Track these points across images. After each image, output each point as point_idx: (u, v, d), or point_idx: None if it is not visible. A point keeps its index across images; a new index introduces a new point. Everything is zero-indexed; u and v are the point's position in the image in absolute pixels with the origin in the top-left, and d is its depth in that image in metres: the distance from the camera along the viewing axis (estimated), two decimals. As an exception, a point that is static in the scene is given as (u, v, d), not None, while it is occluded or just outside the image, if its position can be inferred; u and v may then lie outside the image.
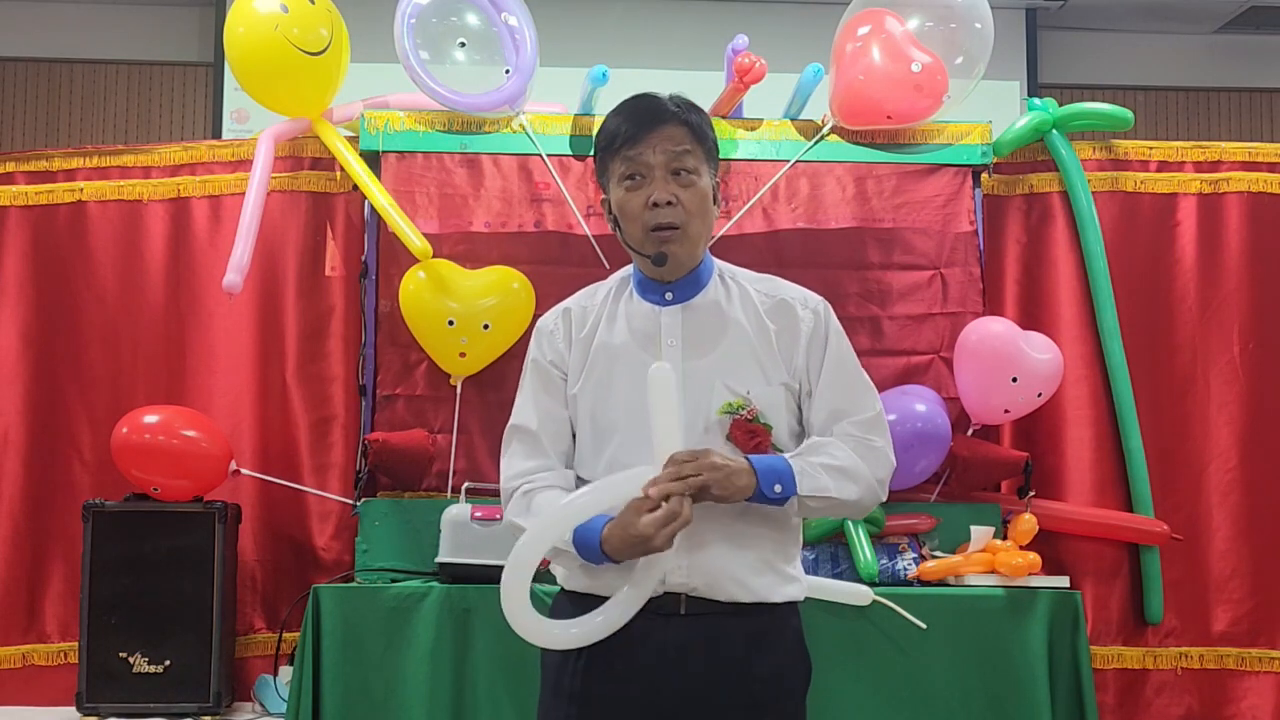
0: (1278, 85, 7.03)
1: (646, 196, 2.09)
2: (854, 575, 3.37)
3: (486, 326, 3.56)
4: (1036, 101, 3.93)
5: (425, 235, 3.59)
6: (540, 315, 2.26)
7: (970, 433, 3.71)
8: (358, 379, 3.75)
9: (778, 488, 2.01)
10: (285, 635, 3.64)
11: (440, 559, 3.30)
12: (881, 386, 3.63)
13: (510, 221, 3.75)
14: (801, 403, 2.17)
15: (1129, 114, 3.90)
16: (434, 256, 3.58)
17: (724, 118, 3.83)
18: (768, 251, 3.75)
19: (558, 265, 3.68)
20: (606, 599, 2.05)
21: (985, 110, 3.99)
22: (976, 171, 3.87)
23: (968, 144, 3.84)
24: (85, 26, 6.55)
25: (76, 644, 3.52)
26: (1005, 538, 3.49)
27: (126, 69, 6.67)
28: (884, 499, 2.15)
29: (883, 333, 3.77)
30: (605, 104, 3.70)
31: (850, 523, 3.41)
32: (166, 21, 6.60)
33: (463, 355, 3.59)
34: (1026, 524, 3.47)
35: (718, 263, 2.23)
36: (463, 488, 3.42)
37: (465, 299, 3.56)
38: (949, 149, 3.84)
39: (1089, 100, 4.28)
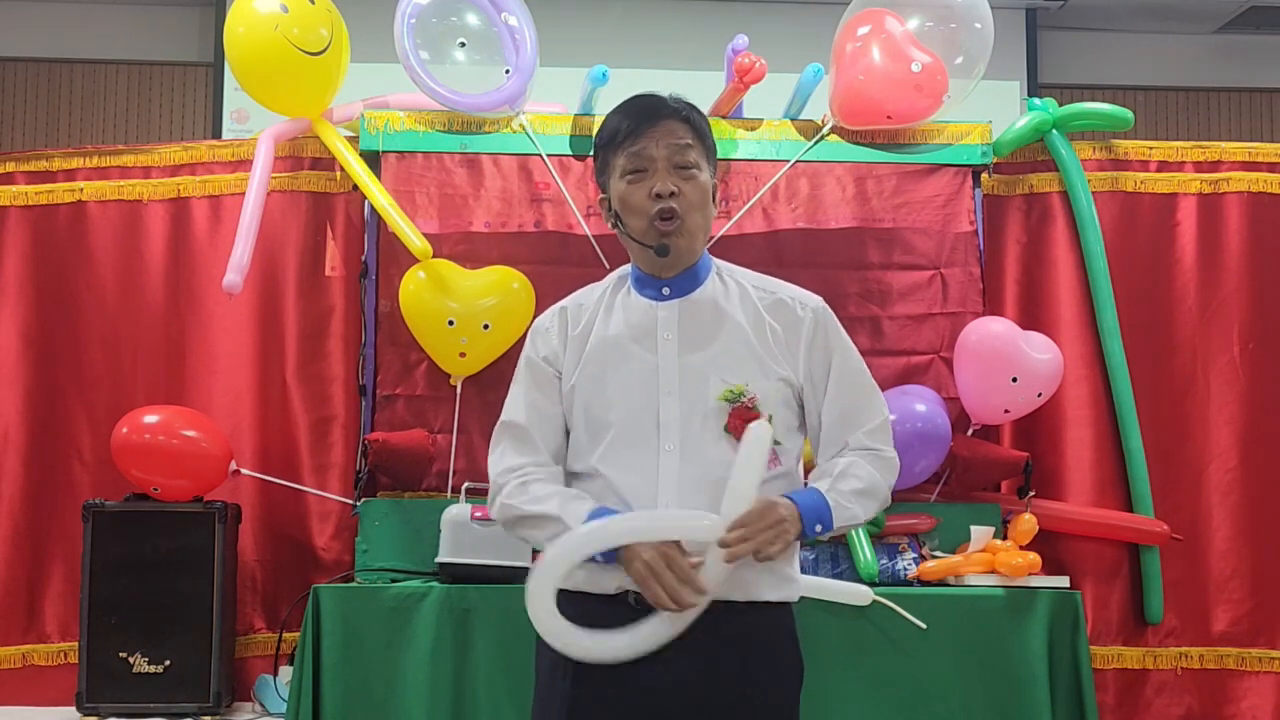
0: (1278, 85, 7.03)
1: (649, 188, 2.11)
2: (854, 575, 3.37)
3: (486, 326, 3.56)
4: (1036, 101, 3.93)
5: (425, 235, 3.59)
6: (540, 315, 2.27)
7: (970, 433, 3.71)
8: (358, 379, 3.75)
9: (818, 527, 2.05)
10: (285, 635, 3.64)
11: (440, 559, 3.30)
12: (882, 386, 3.60)
13: (510, 221, 3.75)
14: (804, 401, 2.18)
15: (1129, 114, 3.90)
16: (434, 256, 3.58)
17: (724, 118, 3.83)
18: (768, 251, 3.75)
19: (558, 265, 3.69)
20: (600, 596, 2.05)
21: (985, 110, 3.99)
22: (976, 171, 3.87)
23: (968, 144, 3.84)
24: (85, 26, 6.55)
25: (76, 644, 3.52)
26: (1005, 538, 3.49)
27: (126, 69, 6.66)
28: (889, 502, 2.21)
29: (883, 333, 3.77)
30: (605, 104, 3.70)
31: (850, 523, 3.41)
32: (166, 21, 6.60)
33: (463, 355, 3.59)
34: (1026, 524, 3.47)
35: (716, 261, 2.24)
36: (463, 488, 3.42)
37: (465, 299, 3.56)
38: (949, 149, 3.84)
39: (1089, 100, 4.28)
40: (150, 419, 3.55)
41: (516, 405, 2.18)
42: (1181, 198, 3.91)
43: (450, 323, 3.54)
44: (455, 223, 3.74)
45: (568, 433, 2.18)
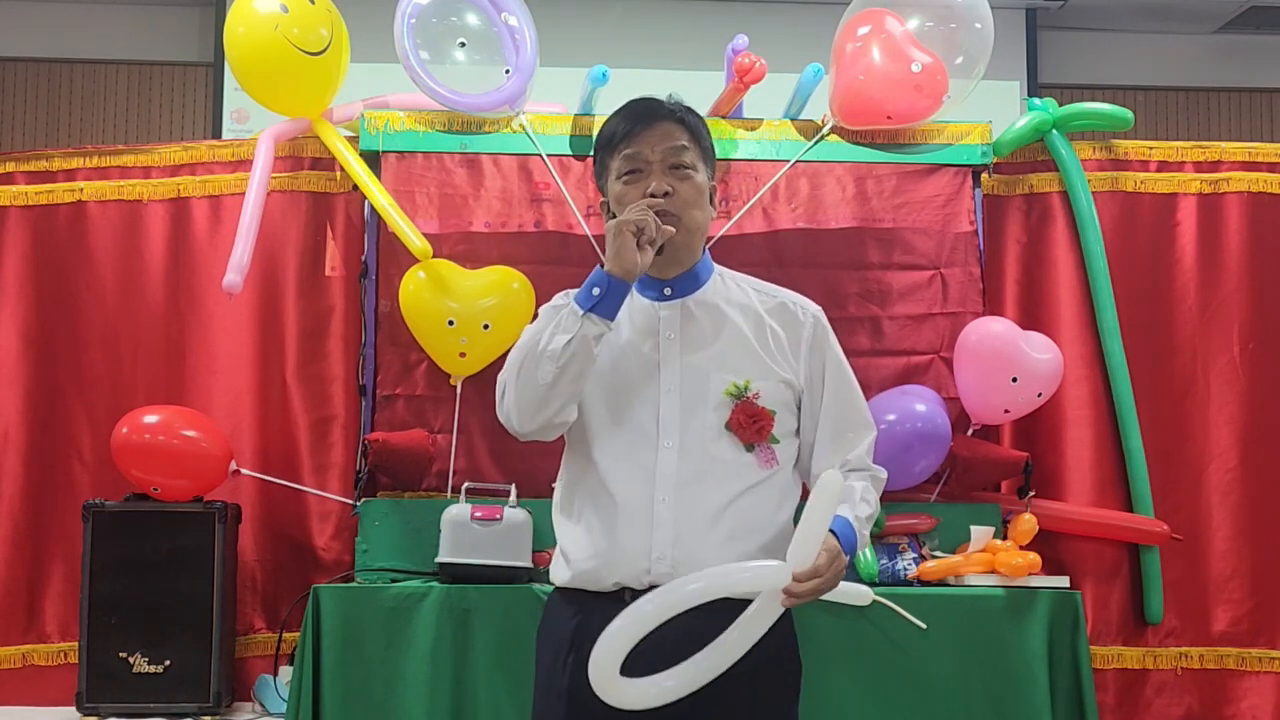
0: (1278, 85, 7.03)
1: (644, 189, 2.12)
2: (854, 575, 3.37)
3: (486, 326, 3.56)
4: (1036, 101, 3.93)
5: (425, 235, 3.59)
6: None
7: (970, 433, 3.71)
8: (358, 379, 3.75)
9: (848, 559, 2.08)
10: (285, 635, 3.64)
11: (440, 559, 3.30)
12: (881, 386, 3.69)
13: (510, 221, 3.75)
14: (801, 404, 2.19)
15: (1129, 114, 3.90)
16: (434, 256, 3.58)
17: (724, 118, 3.83)
18: (768, 251, 3.75)
19: (558, 265, 3.68)
20: (600, 594, 2.06)
21: (985, 110, 3.99)
22: (976, 171, 3.87)
23: (968, 144, 3.83)
24: (85, 26, 6.55)
25: (76, 644, 3.51)
26: (1005, 538, 3.49)
27: (126, 69, 6.67)
28: None
29: (883, 333, 3.77)
30: (605, 104, 3.73)
31: (850, 523, 3.41)
32: (166, 21, 6.60)
33: (463, 355, 3.59)
34: (1026, 524, 3.47)
35: (716, 265, 2.26)
36: (463, 488, 3.42)
37: (465, 299, 3.56)
38: (949, 149, 3.84)
39: (1089, 100, 4.28)
40: (150, 419, 3.55)
41: (532, 330, 2.19)
42: (1181, 198, 3.91)
43: (450, 323, 3.54)
44: (455, 223, 3.73)
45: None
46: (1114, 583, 3.74)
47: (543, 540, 3.32)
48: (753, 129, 3.83)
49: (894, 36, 3.70)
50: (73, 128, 6.62)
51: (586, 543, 2.13)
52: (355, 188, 3.70)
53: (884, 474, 2.26)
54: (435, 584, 3.26)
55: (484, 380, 3.65)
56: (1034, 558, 3.35)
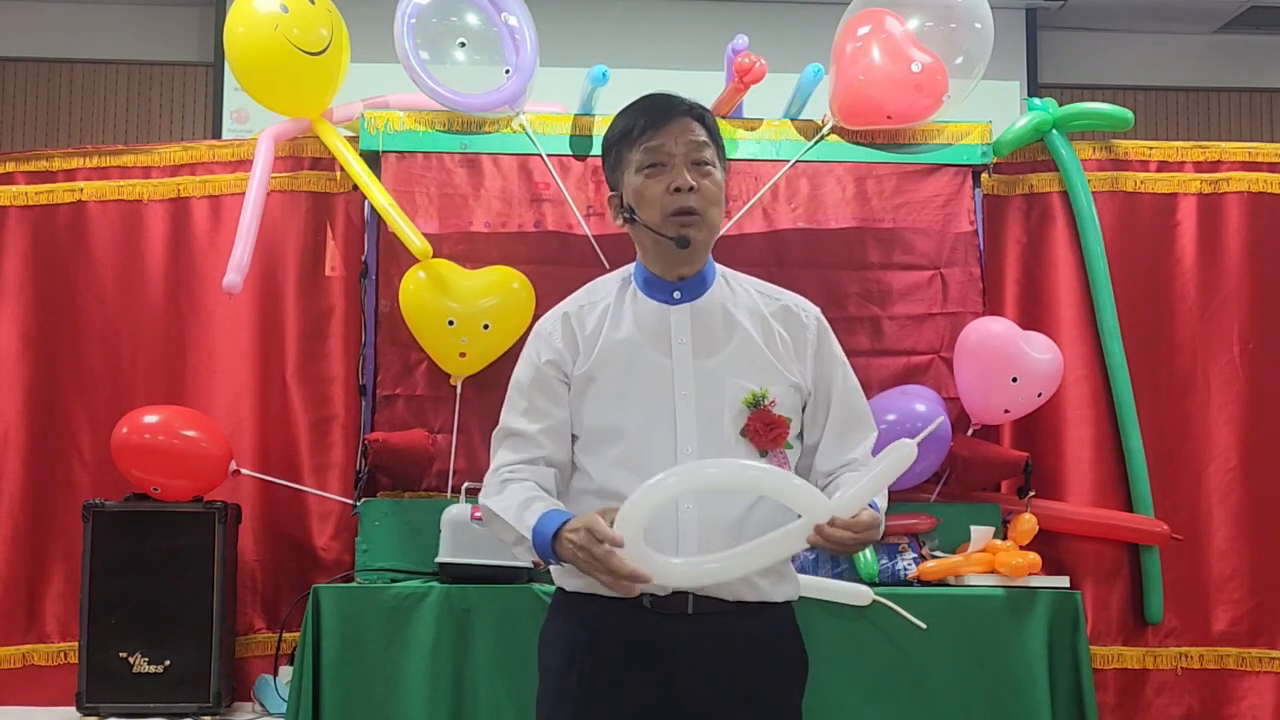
0: (1278, 85, 7.03)
1: (668, 183, 2.11)
2: (854, 575, 3.37)
3: (486, 326, 3.56)
4: (1036, 101, 3.93)
5: (425, 235, 3.59)
6: (540, 315, 2.26)
7: (970, 433, 3.71)
8: (358, 379, 3.75)
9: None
10: (285, 635, 3.64)
11: (440, 559, 3.30)
12: (881, 386, 3.69)
13: (510, 221, 3.75)
14: (806, 406, 2.18)
15: (1129, 114, 3.90)
16: (434, 256, 3.58)
17: (724, 118, 3.83)
18: (768, 251, 3.75)
19: (558, 265, 3.68)
20: (604, 599, 2.05)
21: (985, 110, 3.99)
22: (976, 171, 3.87)
23: (968, 144, 3.84)
24: (85, 26, 6.55)
25: (76, 644, 3.52)
26: (1005, 538, 3.49)
27: (126, 69, 6.67)
28: None
29: (883, 333, 3.77)
30: (605, 104, 3.73)
31: (850, 523, 3.41)
32: (166, 21, 6.60)
33: (463, 355, 3.59)
34: (1026, 524, 3.47)
35: (718, 266, 2.25)
36: (463, 488, 3.42)
37: (465, 299, 3.56)
38: (949, 149, 3.84)
39: (1089, 100, 4.28)
40: (150, 419, 3.55)
41: (515, 410, 2.17)
42: (1181, 198, 3.91)
43: (450, 323, 3.54)
44: (455, 223, 3.73)
45: (573, 438, 2.17)
46: (1114, 583, 3.74)
47: (543, 540, 3.31)
48: (753, 129, 3.83)
49: (894, 36, 3.70)
50: (73, 128, 6.62)
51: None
52: (355, 188, 3.71)
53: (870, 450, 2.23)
54: (435, 584, 3.26)
55: (484, 380, 3.65)
56: (1034, 558, 3.35)
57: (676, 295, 2.17)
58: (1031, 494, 3.64)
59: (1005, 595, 3.30)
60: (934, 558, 3.46)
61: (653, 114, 2.14)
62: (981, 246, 3.85)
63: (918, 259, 3.80)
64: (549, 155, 3.76)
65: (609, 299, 2.20)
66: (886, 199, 3.81)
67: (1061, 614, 3.30)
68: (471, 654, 3.21)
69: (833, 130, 3.83)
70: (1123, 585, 3.75)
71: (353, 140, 3.75)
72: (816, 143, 3.82)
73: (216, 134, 6.29)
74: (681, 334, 2.14)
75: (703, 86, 3.37)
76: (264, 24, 3.57)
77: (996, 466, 3.68)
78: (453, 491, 3.56)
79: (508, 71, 3.69)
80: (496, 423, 2.21)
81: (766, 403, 2.11)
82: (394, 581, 3.33)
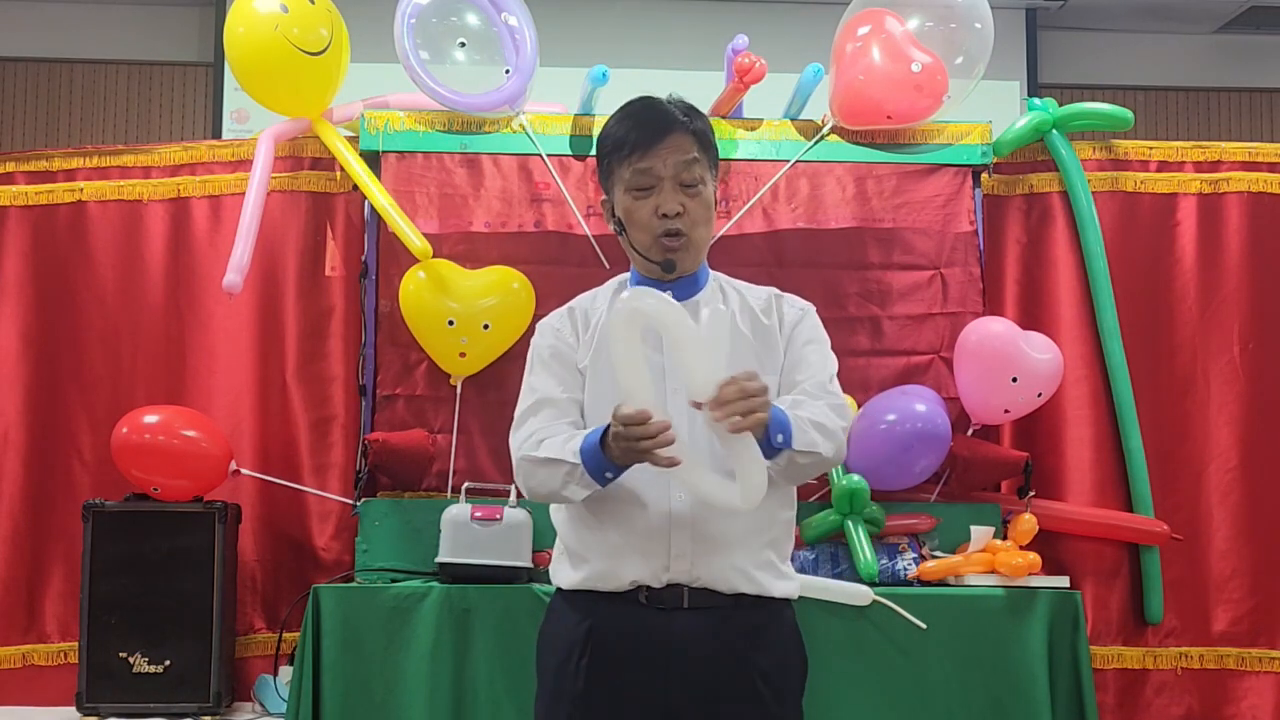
0: (1278, 85, 7.03)
1: (655, 206, 2.15)
2: (854, 575, 3.37)
3: (486, 326, 3.56)
4: (1036, 101, 3.93)
5: (425, 235, 3.59)
6: (540, 315, 2.29)
7: (970, 433, 3.71)
8: (358, 379, 3.75)
9: (779, 438, 2.02)
10: (285, 635, 3.63)
11: (440, 559, 3.30)
12: (881, 386, 3.69)
13: (510, 221, 3.75)
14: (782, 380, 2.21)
15: (1129, 114, 3.90)
16: (434, 256, 3.58)
17: (724, 118, 3.83)
18: (768, 251, 3.75)
19: (558, 265, 3.68)
20: (613, 594, 2.06)
21: (985, 110, 3.99)
22: (976, 171, 3.87)
23: (968, 144, 3.83)
24: (85, 26, 6.55)
25: (76, 644, 3.51)
26: (1005, 538, 3.49)
27: (126, 69, 6.67)
28: (845, 453, 2.19)
29: (883, 333, 3.77)
30: (605, 104, 3.73)
31: (850, 523, 3.41)
32: (166, 21, 6.60)
33: (463, 355, 3.59)
34: (1026, 524, 3.46)
35: (710, 269, 2.28)
36: (463, 488, 3.42)
37: (465, 299, 3.56)
38: (949, 149, 3.84)
39: (1089, 100, 4.28)
40: (150, 419, 3.55)
41: (543, 383, 2.19)
42: (1181, 198, 3.90)
43: (450, 323, 3.54)
44: (455, 223, 3.73)
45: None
46: (1114, 583, 3.74)
47: (543, 540, 3.32)
48: (753, 129, 3.83)
49: (894, 36, 3.70)
50: (73, 128, 6.62)
51: (601, 542, 2.12)
52: (355, 188, 3.70)
53: (843, 400, 2.20)
54: (435, 584, 3.26)
55: (484, 380, 3.65)
56: (1034, 558, 3.35)
57: (668, 295, 2.18)
58: (1031, 494, 3.64)
59: (1005, 595, 3.30)
60: (934, 558, 3.46)
61: (644, 130, 2.16)
62: (981, 246, 3.84)
63: (918, 259, 3.80)
64: (549, 155, 3.76)
65: (606, 302, 2.25)
66: (886, 199, 3.81)
67: (1061, 614, 3.30)
68: (471, 654, 3.21)
69: (833, 130, 3.82)
70: (1123, 585, 3.74)
71: (353, 140, 3.75)
72: (816, 143, 3.82)
73: (216, 134, 6.29)
74: None
75: (703, 86, 3.39)
76: (264, 24, 3.57)
77: (996, 466, 3.68)
78: (453, 491, 3.56)
79: (508, 71, 3.69)
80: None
81: None
82: (394, 581, 3.33)
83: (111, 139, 6.44)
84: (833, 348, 2.29)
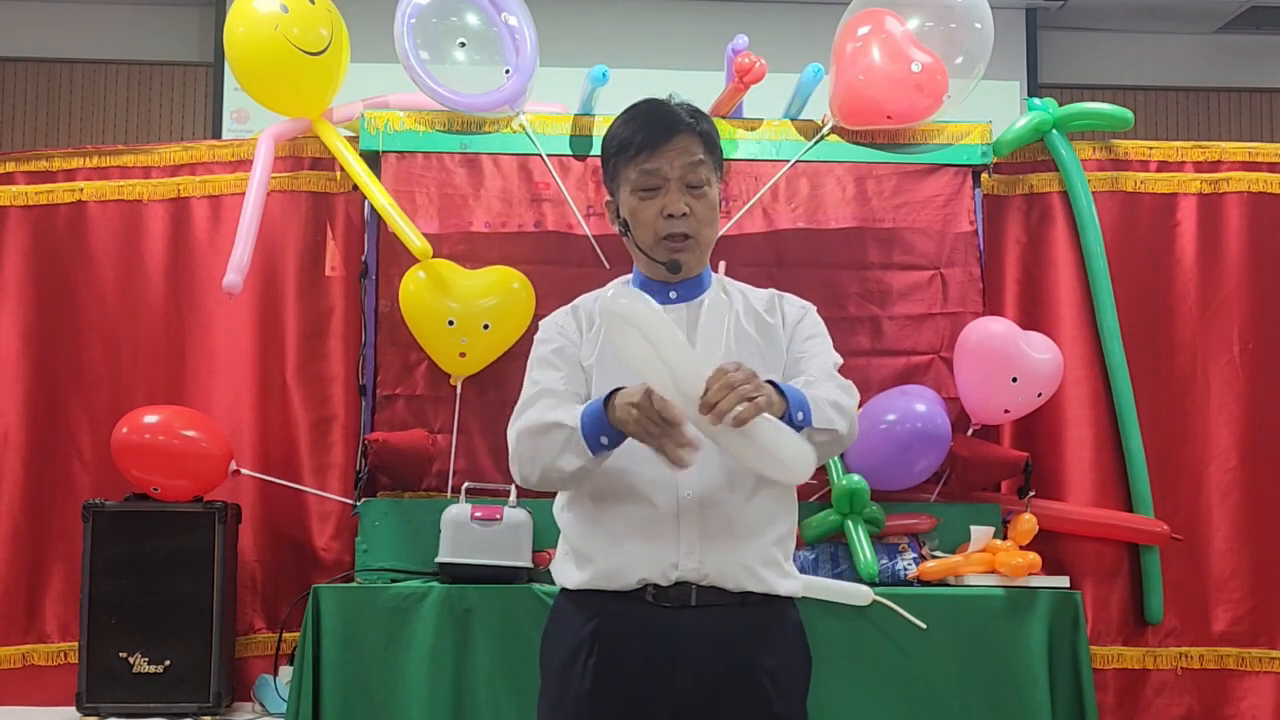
0: (1278, 85, 7.03)
1: (660, 207, 2.16)
2: (854, 575, 3.37)
3: (486, 326, 3.56)
4: (1036, 101, 3.93)
5: (425, 235, 3.59)
6: (540, 316, 2.29)
7: (970, 433, 3.71)
8: (358, 379, 3.75)
9: (800, 415, 2.02)
10: (285, 635, 3.64)
11: (440, 559, 3.30)
12: (881, 386, 3.69)
13: (510, 221, 3.75)
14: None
15: (1129, 114, 3.90)
16: (434, 256, 3.58)
17: (724, 118, 3.83)
18: (768, 251, 3.75)
19: (558, 265, 3.68)
20: (620, 593, 2.07)
21: (985, 110, 3.99)
22: (976, 171, 3.87)
23: (968, 144, 3.84)
24: (85, 26, 6.55)
25: (76, 644, 3.51)
26: (1005, 538, 3.49)
27: (126, 69, 6.67)
28: (856, 435, 2.17)
29: (883, 333, 3.77)
30: (605, 104, 3.73)
31: (850, 523, 3.41)
32: (166, 21, 6.60)
33: (463, 355, 3.59)
34: (1026, 524, 3.46)
35: (715, 274, 2.29)
36: (463, 488, 3.42)
37: (465, 299, 3.56)
38: (949, 149, 3.84)
39: (1089, 100, 4.28)
40: (150, 419, 3.55)
41: (537, 380, 2.18)
42: (1181, 198, 3.91)
43: (450, 323, 3.55)
44: (455, 223, 3.73)
45: None
46: (1114, 583, 3.74)
47: (543, 540, 3.32)
48: (753, 129, 3.83)
49: (894, 36, 3.70)
50: (73, 128, 6.62)
51: (608, 541, 2.12)
52: (355, 188, 3.71)
53: (848, 383, 2.18)
54: (435, 584, 3.26)
55: (484, 380, 3.65)
56: (1034, 558, 3.35)
57: (673, 295, 2.21)
58: (1031, 494, 3.64)
59: (1005, 595, 3.30)
60: (934, 558, 3.46)
61: (650, 132, 2.16)
62: (981, 246, 3.85)
63: (918, 259, 3.80)
64: (549, 155, 3.76)
65: None
66: (886, 199, 3.81)
67: (1061, 614, 3.30)
68: (471, 654, 3.21)
69: (833, 130, 3.83)
70: (1123, 585, 3.74)
71: (353, 140, 3.75)
72: (816, 143, 3.82)
73: (216, 134, 6.29)
74: (678, 330, 2.17)
75: (703, 86, 3.40)
76: (264, 24, 3.57)
77: (996, 466, 3.68)
78: (453, 491, 3.56)
79: (508, 71, 3.69)
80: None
81: None
82: (394, 581, 3.34)
83: (111, 139, 6.44)
84: (833, 348, 2.29)
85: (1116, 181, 3.90)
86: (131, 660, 3.46)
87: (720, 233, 2.25)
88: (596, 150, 3.62)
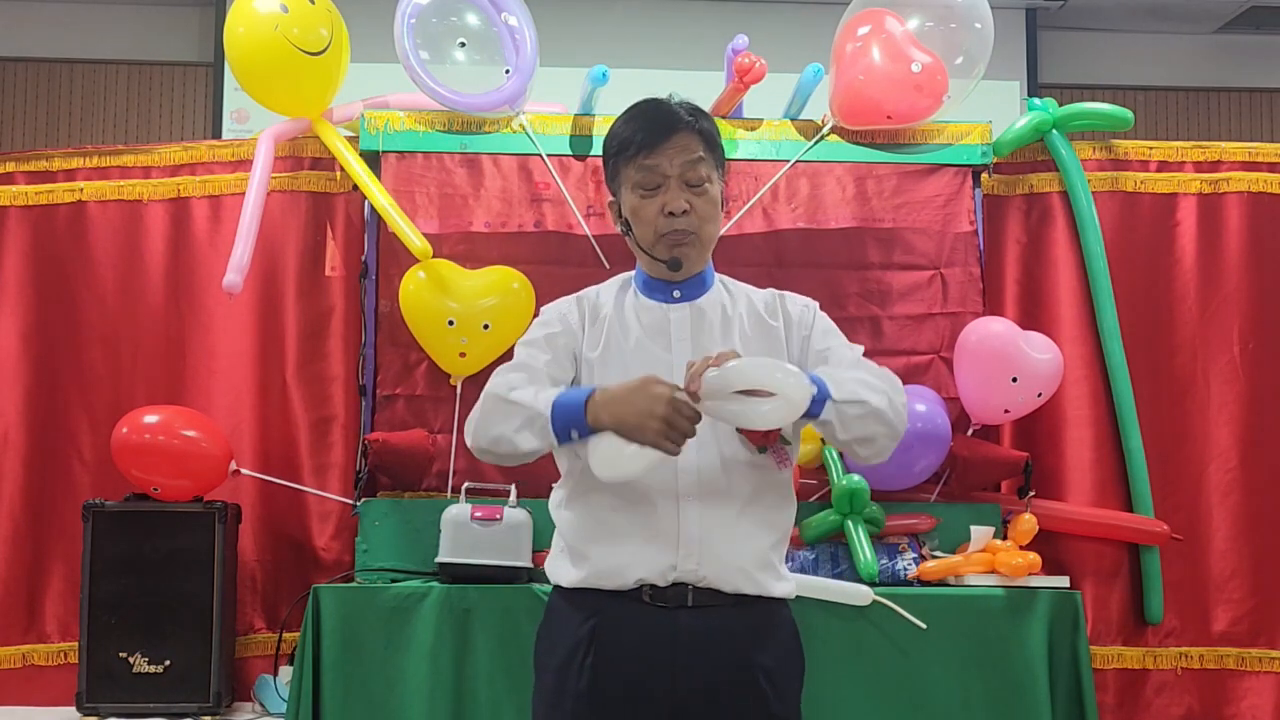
0: (1278, 85, 7.03)
1: (661, 205, 2.16)
2: (854, 575, 3.37)
3: (486, 326, 3.56)
4: (1036, 101, 3.93)
5: (425, 235, 3.59)
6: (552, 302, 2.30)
7: (970, 433, 3.71)
8: (358, 379, 3.75)
9: (815, 390, 2.01)
10: (285, 635, 3.64)
11: (440, 559, 3.30)
12: None
13: (510, 221, 3.75)
14: None
15: (1129, 114, 3.90)
16: (434, 256, 3.58)
17: (724, 118, 3.83)
18: (768, 251, 3.75)
19: (558, 265, 3.68)
20: (616, 592, 2.06)
21: (985, 110, 3.99)
22: (976, 171, 3.87)
23: (968, 144, 3.84)
24: (85, 26, 6.55)
25: (76, 644, 3.51)
26: (1005, 538, 3.49)
27: (126, 69, 6.67)
28: (904, 426, 2.13)
29: (883, 333, 3.77)
30: (605, 104, 3.73)
31: (850, 523, 3.41)
32: (166, 21, 6.60)
33: (463, 355, 3.59)
34: (1026, 524, 3.47)
35: (718, 274, 2.29)
36: (463, 488, 3.42)
37: (465, 299, 3.56)
38: (949, 149, 3.84)
39: (1089, 100, 4.28)
40: (150, 419, 3.55)
41: (523, 354, 2.19)
42: (1181, 198, 3.91)
43: (450, 323, 3.55)
44: (455, 223, 3.74)
45: None
46: (1114, 583, 3.74)
47: (542, 540, 3.31)
48: (753, 129, 3.83)
49: (894, 36, 3.70)
50: (73, 128, 6.62)
51: (607, 540, 2.12)
52: (355, 188, 3.71)
53: (878, 368, 2.17)
54: (435, 584, 3.26)
55: (484, 380, 3.58)
56: (1034, 558, 3.35)
57: (676, 295, 2.22)
58: (1031, 494, 3.64)
59: (1005, 595, 3.30)
60: (934, 558, 3.46)
61: (650, 130, 2.16)
62: (981, 246, 3.85)
63: (918, 259, 3.80)
64: (549, 155, 3.76)
65: (611, 298, 2.26)
66: (886, 199, 3.81)
67: (1061, 614, 3.30)
68: (471, 654, 3.21)
69: (833, 130, 3.83)
70: (1123, 585, 3.74)
71: (353, 140, 3.75)
72: (816, 143, 3.82)
73: (216, 134, 6.29)
74: (681, 331, 2.19)
75: (703, 86, 3.39)
76: (264, 24, 3.57)
77: (996, 466, 3.69)
78: (453, 491, 3.56)
79: (508, 71, 3.69)
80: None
81: None
82: (394, 581, 3.34)
83: (111, 139, 6.44)
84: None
85: (1116, 181, 3.90)
86: (131, 660, 3.47)
87: (720, 233, 2.25)
88: (596, 150, 3.63)
